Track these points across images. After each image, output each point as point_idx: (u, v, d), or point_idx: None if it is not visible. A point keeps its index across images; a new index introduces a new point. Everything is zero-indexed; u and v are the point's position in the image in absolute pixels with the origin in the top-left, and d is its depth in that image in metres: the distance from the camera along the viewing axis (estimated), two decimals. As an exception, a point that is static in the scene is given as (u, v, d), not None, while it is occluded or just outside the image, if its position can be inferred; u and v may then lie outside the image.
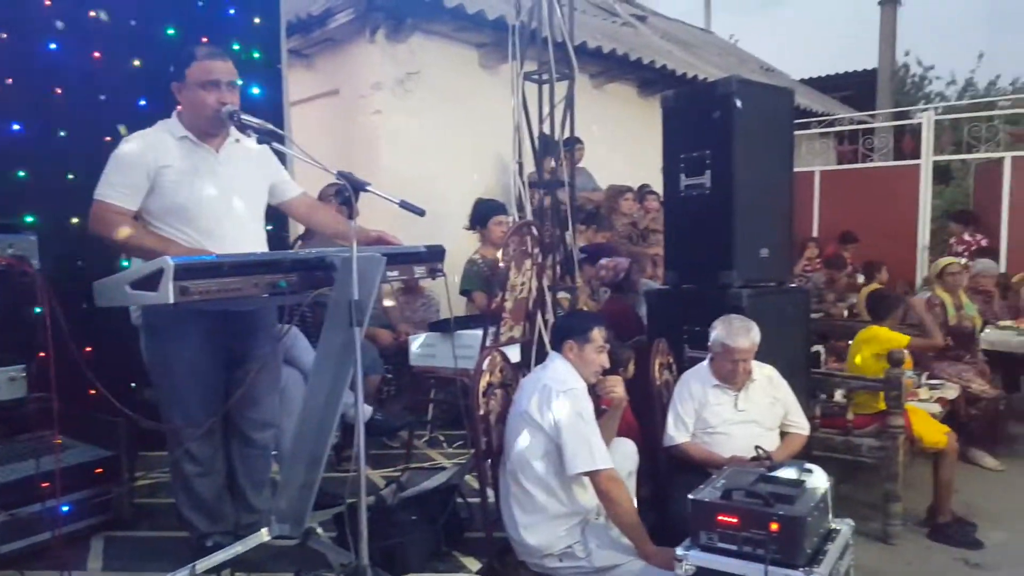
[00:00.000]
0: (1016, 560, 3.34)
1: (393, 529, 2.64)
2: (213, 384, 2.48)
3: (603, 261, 4.43)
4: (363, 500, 2.05)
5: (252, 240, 2.52)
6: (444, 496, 2.89)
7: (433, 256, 2.57)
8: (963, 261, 5.44)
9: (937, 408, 3.92)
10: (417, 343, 3.79)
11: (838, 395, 3.88)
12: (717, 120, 3.46)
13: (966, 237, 6.56)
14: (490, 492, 2.74)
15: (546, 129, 4.05)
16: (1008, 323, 5.08)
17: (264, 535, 2.38)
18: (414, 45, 5.60)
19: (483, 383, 2.69)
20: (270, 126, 2.30)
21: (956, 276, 4.92)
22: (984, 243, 6.55)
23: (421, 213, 2.31)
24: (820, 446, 3.51)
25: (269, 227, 2.76)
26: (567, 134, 4.07)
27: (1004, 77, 15.37)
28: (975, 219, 6.85)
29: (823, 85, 12.50)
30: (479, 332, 3.23)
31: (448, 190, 5.21)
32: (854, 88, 12.40)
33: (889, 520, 3.46)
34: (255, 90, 4.15)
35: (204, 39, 3.60)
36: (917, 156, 7.44)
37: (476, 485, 2.90)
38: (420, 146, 5.56)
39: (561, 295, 3.87)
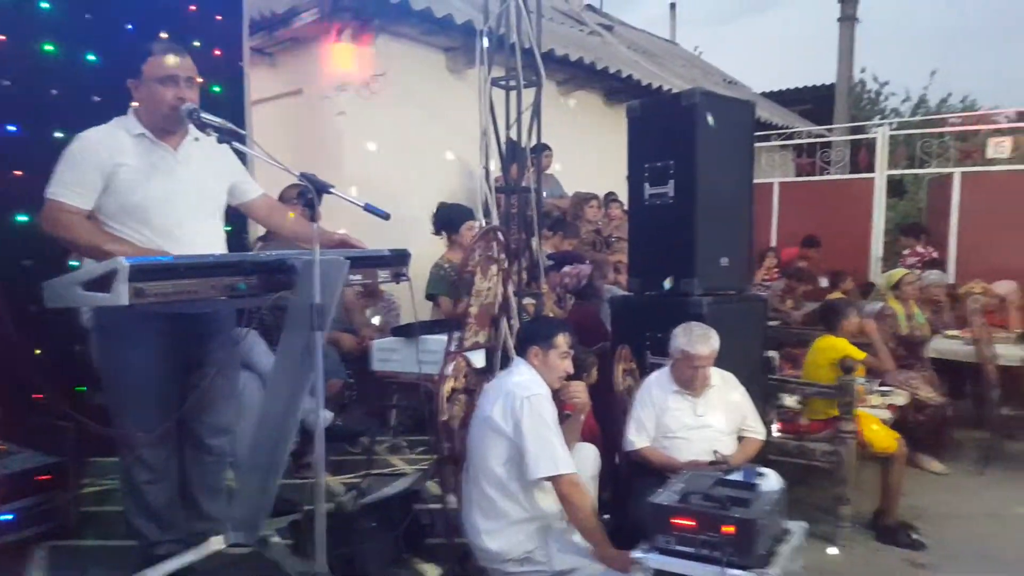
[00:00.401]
0: (959, 560, 3.44)
1: (352, 536, 2.62)
2: (167, 388, 2.43)
3: (566, 268, 4.46)
4: (322, 507, 2.02)
5: (210, 241, 2.48)
6: (405, 502, 2.87)
7: (398, 260, 2.56)
8: (914, 272, 5.61)
9: (887, 414, 4.02)
10: (379, 347, 3.76)
11: (793, 401, 3.97)
12: (681, 131, 3.53)
13: (918, 249, 6.77)
14: (453, 498, 2.73)
15: (513, 135, 4.07)
16: (955, 332, 5.25)
17: (218, 543, 2.33)
18: (380, 46, 5.57)
19: (447, 388, 2.69)
20: (230, 125, 2.26)
21: (909, 287, 5.08)
22: (935, 255, 6.77)
23: (385, 216, 2.30)
24: (775, 450, 3.58)
25: (228, 228, 2.71)
26: (534, 140, 4.09)
27: (955, 95, 15.92)
28: (926, 232, 7.08)
29: (784, 99, 12.80)
30: (443, 337, 3.22)
31: (413, 194, 5.19)
32: (813, 102, 12.71)
33: (839, 522, 3.54)
34: (216, 88, 4.08)
35: (163, 34, 3.52)
36: (872, 170, 7.66)
37: (438, 491, 2.89)
38: (385, 149, 5.53)
39: (527, 301, 3.89)
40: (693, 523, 2.23)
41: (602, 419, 3.35)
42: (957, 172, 7.15)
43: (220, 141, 2.29)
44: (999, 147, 7.36)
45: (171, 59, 2.34)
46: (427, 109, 5.73)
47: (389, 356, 3.66)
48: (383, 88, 5.56)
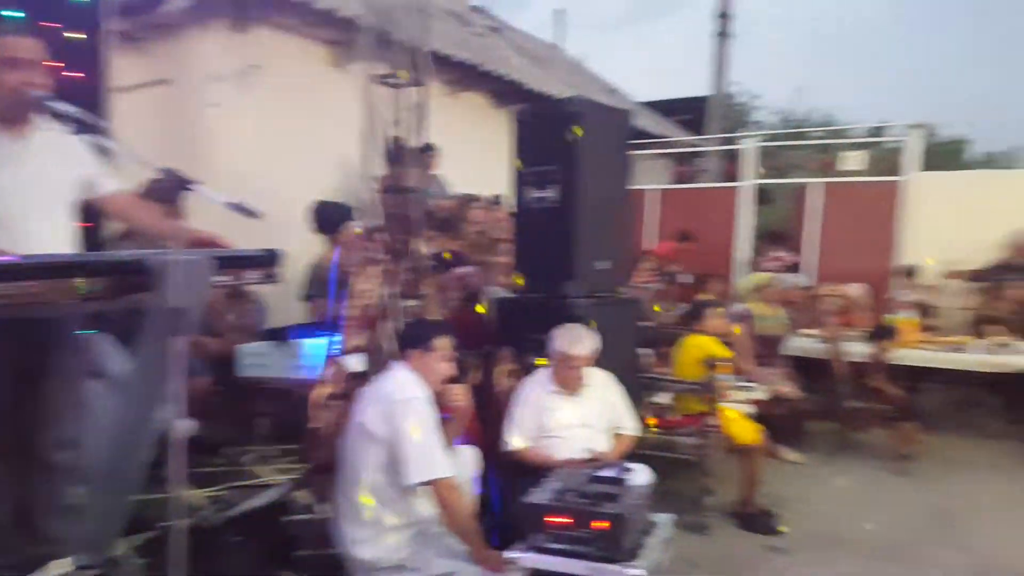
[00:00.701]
0: (813, 544, 3.74)
1: (216, 552, 2.50)
2: (3, 400, 2.22)
3: (461, 270, 4.46)
4: (182, 522, 1.92)
5: (58, 239, 2.29)
6: (273, 514, 2.77)
7: (269, 260, 2.46)
8: (775, 276, 6.04)
9: (749, 409, 4.30)
10: (247, 352, 3.59)
11: (665, 397, 4.17)
12: (565, 137, 3.61)
13: (779, 254, 7.28)
14: (324, 508, 2.66)
15: (398, 134, 4.01)
16: (810, 332, 5.69)
17: (61, 567, 2.16)
18: (258, 37, 5.34)
19: (321, 394, 2.62)
20: (85, 113, 2.11)
21: (769, 290, 5.47)
22: (794, 260, 7.30)
23: (256, 215, 2.21)
24: (647, 445, 3.75)
25: (82, 225, 2.51)
26: (420, 140, 4.05)
27: (819, 111, 17.24)
28: (786, 238, 7.62)
29: (663, 108, 13.34)
30: (319, 341, 3.14)
31: (291, 191, 5.01)
32: (690, 113, 13.35)
33: (705, 512, 3.75)
34: (71, 74, 3.77)
35: (9, 12, 3.22)
36: (741, 179, 8.16)
37: (310, 501, 2.81)
38: (261, 144, 5.30)
39: (409, 303, 3.85)
40: (566, 520, 2.30)
41: (485, 421, 3.38)
42: (818, 182, 7.74)
43: (74, 131, 2.12)
44: (853, 160, 8.04)
45: (14, 40, 2.15)
46: (308, 104, 5.55)
47: (258, 361, 3.51)
48: (260, 81, 5.34)
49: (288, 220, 4.15)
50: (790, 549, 3.67)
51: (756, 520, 3.85)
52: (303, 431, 2.58)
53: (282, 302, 4.41)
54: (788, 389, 4.97)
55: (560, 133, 3.65)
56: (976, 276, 6.22)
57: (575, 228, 3.65)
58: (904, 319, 5.81)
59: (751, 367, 4.80)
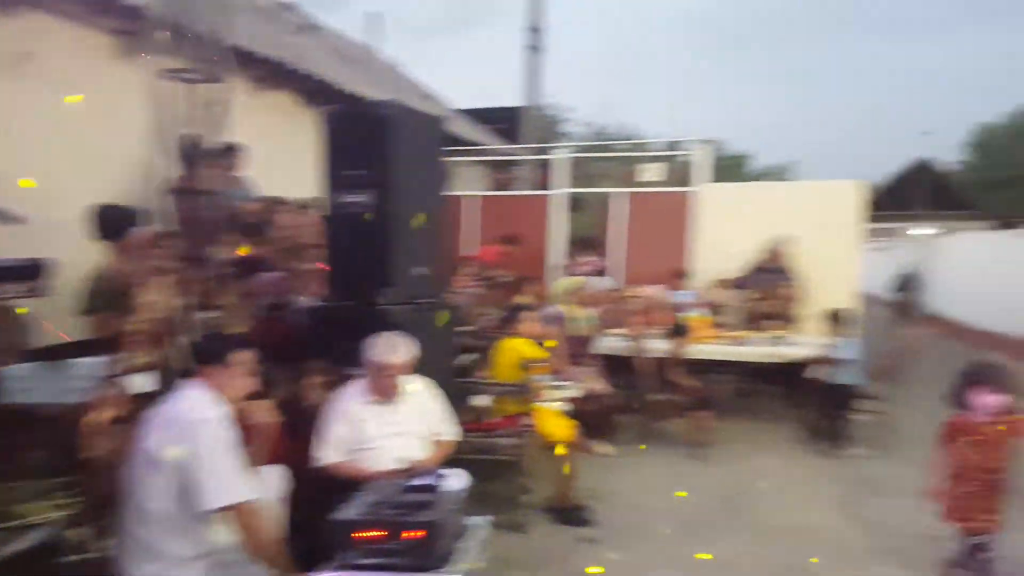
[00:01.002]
0: (626, 532, 3.97)
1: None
2: None
3: (264, 277, 4.20)
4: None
5: None
6: (41, 557, 2.42)
7: (33, 271, 2.16)
8: (585, 279, 6.37)
9: (564, 407, 4.48)
10: (10, 376, 3.11)
11: (484, 400, 4.22)
12: (377, 141, 3.55)
13: (588, 259, 7.70)
14: (106, 544, 2.38)
15: (192, 132, 3.71)
16: (616, 331, 6.06)
17: None
18: (29, 22, 4.69)
19: (97, 419, 2.34)
20: None
21: (579, 293, 5.77)
22: (602, 264, 7.76)
23: (19, 220, 1.92)
24: (467, 449, 3.77)
25: None
26: (220, 140, 3.77)
27: (625, 124, 18.61)
28: (594, 244, 8.09)
29: (479, 116, 13.65)
30: (99, 360, 2.79)
31: (69, 194, 4.45)
32: (505, 122, 13.77)
33: (522, 511, 3.85)
34: None
35: None
36: (553, 187, 8.53)
37: (88, 538, 2.49)
38: (34, 141, 4.66)
39: (208, 315, 3.56)
40: (377, 534, 2.23)
41: (295, 436, 3.21)
42: (623, 192, 8.29)
43: None
44: (651, 171, 8.71)
45: None
46: (90, 98, 4.97)
47: (24, 385, 3.05)
48: (32, 71, 4.70)
49: (63, 226, 3.67)
50: (604, 539, 3.87)
51: (570, 514, 4.02)
52: (78, 462, 2.27)
53: (57, 318, 3.90)
54: (599, 386, 5.25)
55: (372, 136, 3.58)
56: (738, 283, 6.97)
57: (390, 233, 3.59)
58: (697, 317, 6.37)
59: (565, 367, 5.02)
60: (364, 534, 2.21)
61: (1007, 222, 12.24)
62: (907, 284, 16.57)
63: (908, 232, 19.74)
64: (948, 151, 28.56)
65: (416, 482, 2.53)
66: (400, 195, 3.62)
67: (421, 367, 3.31)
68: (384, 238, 3.61)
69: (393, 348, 3.10)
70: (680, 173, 8.73)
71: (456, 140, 8.99)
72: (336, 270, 3.81)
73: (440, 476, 2.58)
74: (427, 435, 3.30)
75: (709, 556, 3.65)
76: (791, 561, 3.65)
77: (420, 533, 2.21)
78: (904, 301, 15.76)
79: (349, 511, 2.30)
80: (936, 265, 15.75)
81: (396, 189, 3.60)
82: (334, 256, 3.85)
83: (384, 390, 3.13)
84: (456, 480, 2.61)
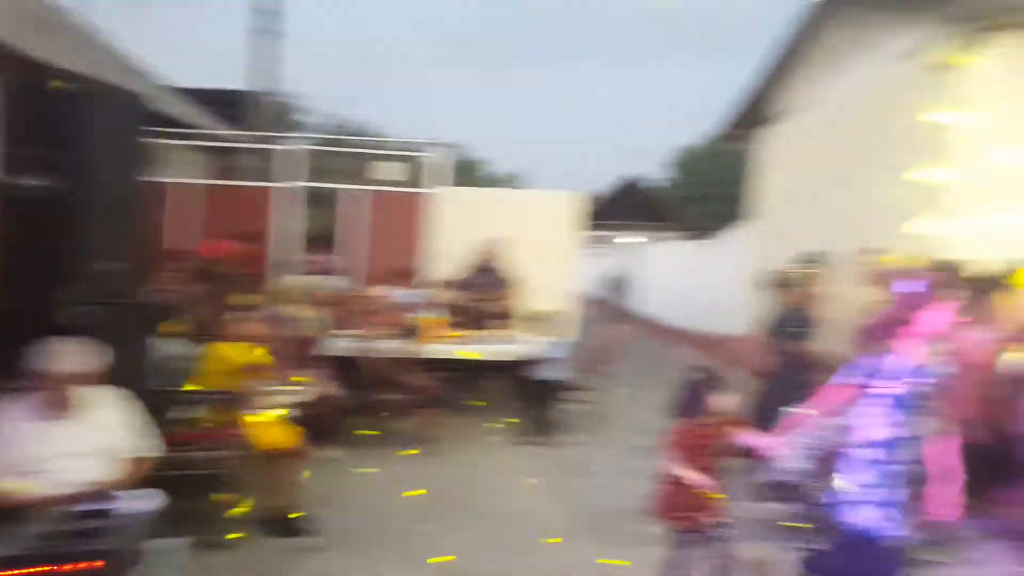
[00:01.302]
0: (355, 535, 3.90)
1: None
2: None
3: None
4: None
5: None
6: None
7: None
8: (314, 278, 6.15)
9: (288, 412, 4.26)
10: None
11: (189, 411, 3.84)
12: (66, 118, 3.21)
13: (319, 257, 7.47)
14: None
15: None
16: (347, 332, 5.93)
17: None
18: None
19: None
20: None
21: (307, 293, 5.55)
22: (333, 262, 7.56)
23: None
24: (165, 465, 3.39)
25: None
26: None
27: (367, 121, 18.40)
28: (327, 242, 7.86)
29: (200, 97, 12.39)
30: None
31: None
32: (235, 106, 12.75)
33: (230, 526, 3.58)
34: None
35: None
36: (282, 179, 8.06)
37: None
38: None
39: None
40: (38, 570, 1.91)
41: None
42: (361, 189, 8.14)
43: None
44: (388, 170, 8.69)
45: None
46: None
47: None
48: None
49: None
50: (328, 545, 3.75)
51: (291, 524, 3.83)
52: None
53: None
54: (329, 388, 5.09)
55: (58, 112, 3.18)
56: (460, 284, 7.28)
57: (77, 222, 3.17)
58: (431, 317, 6.49)
59: (290, 370, 4.79)
60: (21, 572, 1.87)
61: (702, 233, 14.41)
62: (615, 287, 18.79)
63: (616, 240, 22.32)
64: (656, 169, 32.74)
65: (86, 507, 2.20)
66: (88, 179, 3.19)
67: (111, 376, 2.93)
68: (66, 228, 3.13)
69: (65, 355, 2.69)
70: (419, 174, 8.85)
71: (170, 121, 8.09)
72: (9, 264, 3.22)
73: (117, 498, 2.28)
74: (114, 453, 2.90)
75: (444, 557, 3.70)
76: (517, 543, 3.90)
77: (97, 564, 1.94)
78: (612, 302, 17.84)
79: (2, 548, 1.93)
80: (640, 270, 18.09)
81: (83, 172, 3.17)
82: (8, 247, 3.26)
83: (56, 404, 2.70)
84: (144, 501, 2.33)
